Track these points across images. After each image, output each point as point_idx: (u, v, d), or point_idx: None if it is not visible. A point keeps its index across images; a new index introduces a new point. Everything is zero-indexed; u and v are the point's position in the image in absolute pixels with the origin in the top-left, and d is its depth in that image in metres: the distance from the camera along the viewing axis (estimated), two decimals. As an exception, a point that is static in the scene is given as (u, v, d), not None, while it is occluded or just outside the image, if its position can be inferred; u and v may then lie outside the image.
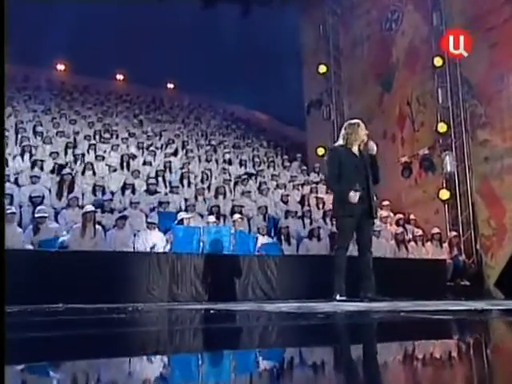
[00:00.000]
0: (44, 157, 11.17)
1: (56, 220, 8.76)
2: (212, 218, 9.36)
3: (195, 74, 20.50)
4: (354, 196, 5.41)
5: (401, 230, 10.46)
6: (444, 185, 11.63)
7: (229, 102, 21.69)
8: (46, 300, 5.63)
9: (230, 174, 12.46)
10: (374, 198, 5.85)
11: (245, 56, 20.93)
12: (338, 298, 5.40)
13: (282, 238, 9.68)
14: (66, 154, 11.82)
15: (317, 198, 11.82)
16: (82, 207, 8.66)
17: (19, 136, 12.07)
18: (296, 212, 10.72)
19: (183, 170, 11.93)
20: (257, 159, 14.45)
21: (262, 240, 9.13)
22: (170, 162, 12.30)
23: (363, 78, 14.15)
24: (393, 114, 13.19)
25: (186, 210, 9.79)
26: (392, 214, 11.66)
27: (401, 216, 11.43)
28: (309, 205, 11.48)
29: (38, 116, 14.40)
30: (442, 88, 11.84)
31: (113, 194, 10.28)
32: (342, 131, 5.79)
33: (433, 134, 12.01)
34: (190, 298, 7.36)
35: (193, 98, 20.94)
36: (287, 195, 11.69)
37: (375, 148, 5.66)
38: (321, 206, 11.45)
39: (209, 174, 12.28)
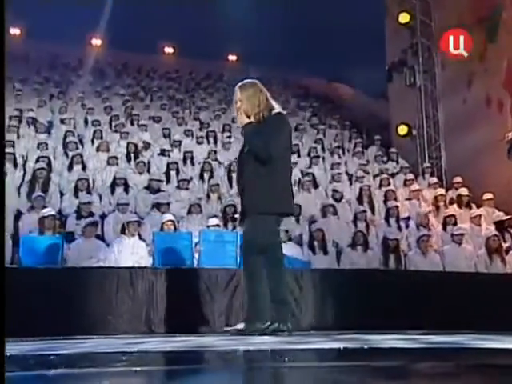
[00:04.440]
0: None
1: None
2: (214, 221, 7.04)
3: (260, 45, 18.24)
4: None
5: (493, 232, 7.56)
6: None
7: (303, 75, 19.16)
8: None
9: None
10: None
11: (319, 20, 18.43)
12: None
13: (316, 244, 7.55)
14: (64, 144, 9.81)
15: (387, 192, 9.12)
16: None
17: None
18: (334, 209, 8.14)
19: (208, 159, 9.60)
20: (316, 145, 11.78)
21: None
22: (191, 151, 9.97)
23: (459, 26, 11.03)
24: (499, 72, 10.20)
25: (189, 212, 7.54)
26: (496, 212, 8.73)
27: (499, 214, 8.42)
28: (370, 202, 8.78)
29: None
30: None
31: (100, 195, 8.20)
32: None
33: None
34: (170, 329, 5.40)
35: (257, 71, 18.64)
36: (337, 191, 9.05)
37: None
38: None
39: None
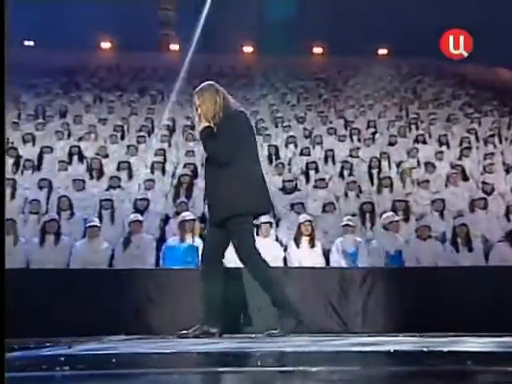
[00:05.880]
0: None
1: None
2: (348, 220, 6.97)
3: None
4: None
5: None
6: None
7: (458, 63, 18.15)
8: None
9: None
10: None
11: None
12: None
13: (459, 241, 7.05)
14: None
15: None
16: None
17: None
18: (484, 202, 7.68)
19: (349, 157, 9.61)
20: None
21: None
22: (332, 150, 10.03)
23: None
24: None
25: (324, 211, 7.67)
26: None
27: None
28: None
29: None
30: None
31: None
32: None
33: None
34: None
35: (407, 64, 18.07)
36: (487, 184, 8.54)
37: None
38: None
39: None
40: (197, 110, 4.07)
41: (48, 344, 3.55)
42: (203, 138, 4.03)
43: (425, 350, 2.73)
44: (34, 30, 18.00)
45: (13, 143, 10.16)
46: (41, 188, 8.39)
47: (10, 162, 9.42)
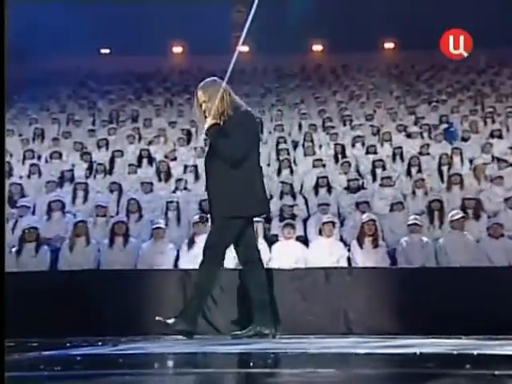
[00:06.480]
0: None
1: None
2: (414, 219, 6.80)
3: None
4: None
5: None
6: None
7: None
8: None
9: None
10: None
11: None
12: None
13: None
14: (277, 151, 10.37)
15: None
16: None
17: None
18: None
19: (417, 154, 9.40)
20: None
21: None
22: (401, 147, 9.87)
23: None
24: None
25: (391, 209, 7.48)
26: None
27: None
28: None
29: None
30: None
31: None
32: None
33: None
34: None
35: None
36: None
37: None
38: None
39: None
40: (201, 106, 4.00)
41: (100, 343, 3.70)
42: (212, 135, 3.96)
43: None
44: (110, 38, 18.62)
45: (86, 148, 10.59)
46: (111, 191, 8.70)
47: (84, 166, 9.85)
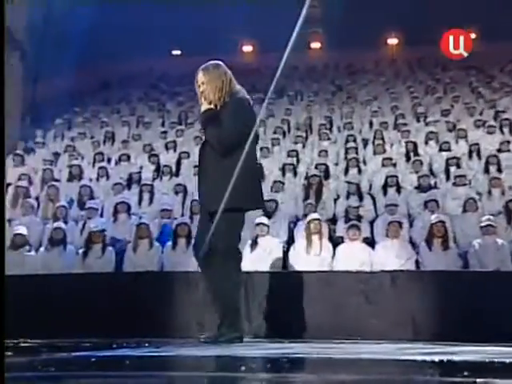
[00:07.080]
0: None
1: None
2: (488, 220, 6.48)
3: None
4: None
5: None
6: None
7: None
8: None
9: None
10: None
11: None
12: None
13: None
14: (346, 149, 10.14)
15: None
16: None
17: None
18: None
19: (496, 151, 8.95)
20: None
21: None
22: (478, 143, 9.40)
23: None
24: None
25: (464, 210, 7.15)
26: None
27: None
28: None
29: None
30: None
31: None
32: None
33: None
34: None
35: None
36: None
37: None
38: None
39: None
40: (199, 87, 3.83)
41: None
42: (204, 121, 3.82)
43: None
44: (181, 39, 18.86)
45: (155, 150, 10.71)
46: (177, 193, 8.75)
47: (151, 168, 9.97)
